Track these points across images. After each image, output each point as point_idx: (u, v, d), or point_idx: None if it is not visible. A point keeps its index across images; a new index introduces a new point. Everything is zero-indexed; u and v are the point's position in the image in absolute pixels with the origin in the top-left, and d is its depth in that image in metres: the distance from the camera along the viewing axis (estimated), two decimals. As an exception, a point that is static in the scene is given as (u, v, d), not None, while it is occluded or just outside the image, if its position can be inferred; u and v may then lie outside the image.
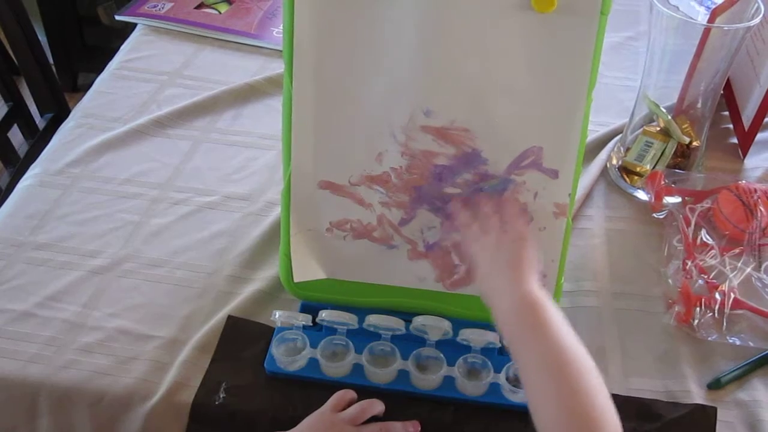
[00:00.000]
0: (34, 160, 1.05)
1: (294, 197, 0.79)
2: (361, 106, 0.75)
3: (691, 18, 0.94)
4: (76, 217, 0.95)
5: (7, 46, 1.63)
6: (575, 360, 0.61)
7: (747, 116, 1.06)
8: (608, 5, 0.69)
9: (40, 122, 1.68)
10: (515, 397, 0.76)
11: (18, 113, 1.62)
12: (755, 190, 0.93)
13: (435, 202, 0.77)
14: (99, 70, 1.23)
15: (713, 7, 0.93)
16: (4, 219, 0.95)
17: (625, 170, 1.02)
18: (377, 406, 0.75)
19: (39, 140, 1.59)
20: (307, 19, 0.72)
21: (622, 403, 0.77)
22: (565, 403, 0.59)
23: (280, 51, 0.76)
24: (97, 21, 2.16)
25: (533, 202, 0.77)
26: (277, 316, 0.80)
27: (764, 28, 1.03)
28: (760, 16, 0.89)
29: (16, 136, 1.65)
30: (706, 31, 0.92)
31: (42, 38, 1.91)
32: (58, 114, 1.66)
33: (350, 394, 0.76)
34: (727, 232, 0.92)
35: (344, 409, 0.75)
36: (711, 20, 0.93)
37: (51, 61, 2.04)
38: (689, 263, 0.89)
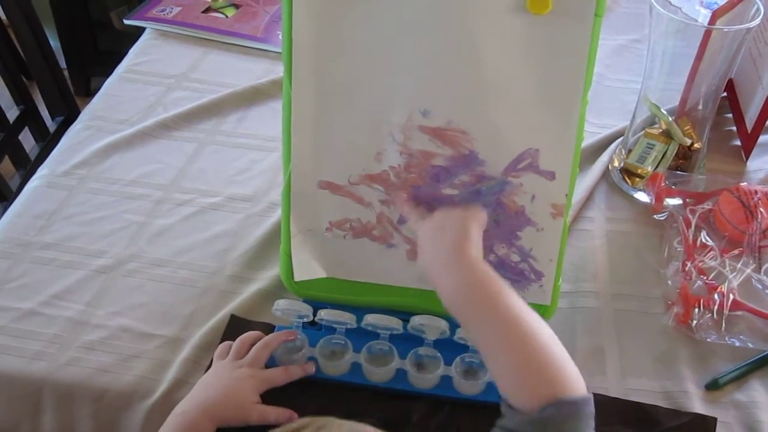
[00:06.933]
0: (45, 162, 1.07)
1: (294, 197, 0.80)
2: (359, 106, 0.76)
3: (692, 20, 0.94)
4: (82, 217, 0.97)
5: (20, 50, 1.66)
6: (530, 324, 0.62)
7: (750, 118, 1.06)
8: (602, 7, 0.69)
9: (51, 125, 1.71)
10: (512, 396, 0.76)
11: (29, 116, 1.64)
12: (756, 192, 0.93)
13: (433, 203, 0.78)
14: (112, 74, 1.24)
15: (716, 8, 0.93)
16: (11, 219, 0.97)
17: (627, 172, 1.02)
18: (273, 344, 0.79)
19: (50, 143, 1.61)
20: (305, 20, 0.73)
21: (622, 407, 0.77)
22: (529, 369, 0.60)
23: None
24: (109, 26, 2.18)
25: (530, 204, 0.77)
26: (279, 305, 0.81)
27: (767, 31, 1.03)
28: (760, 17, 0.89)
29: (27, 139, 1.67)
30: (707, 34, 0.92)
31: (55, 43, 1.93)
32: (69, 117, 1.68)
33: (252, 336, 0.80)
34: (727, 234, 0.92)
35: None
36: (711, 22, 0.93)
37: (64, 65, 2.07)
38: (689, 264, 0.89)
